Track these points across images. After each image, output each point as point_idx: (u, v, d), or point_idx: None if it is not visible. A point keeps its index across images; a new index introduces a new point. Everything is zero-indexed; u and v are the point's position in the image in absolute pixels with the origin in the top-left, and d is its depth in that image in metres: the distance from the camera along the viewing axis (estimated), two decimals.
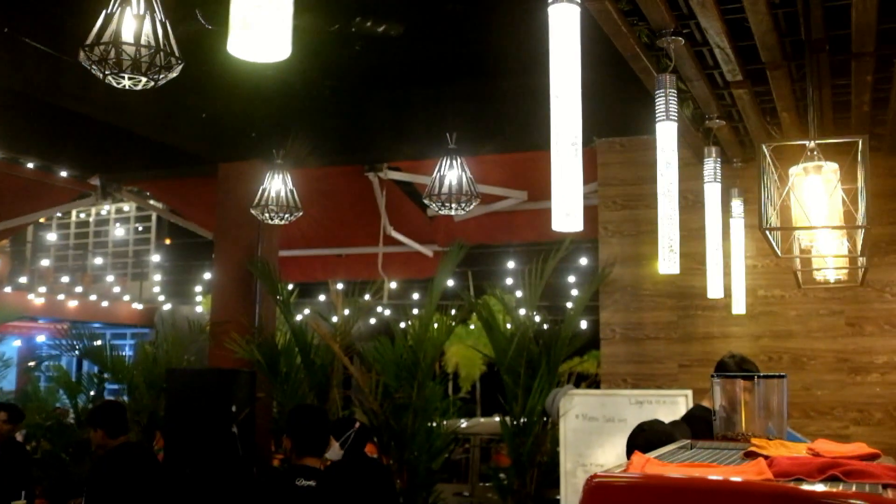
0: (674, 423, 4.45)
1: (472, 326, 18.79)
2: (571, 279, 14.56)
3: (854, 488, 1.70)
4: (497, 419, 7.76)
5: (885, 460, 2.14)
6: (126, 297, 20.90)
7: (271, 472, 7.04)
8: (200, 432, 7.28)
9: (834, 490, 1.66)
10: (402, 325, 7.99)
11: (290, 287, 8.61)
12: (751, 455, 2.15)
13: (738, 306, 6.13)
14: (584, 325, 12.10)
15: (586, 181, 8.92)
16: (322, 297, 15.56)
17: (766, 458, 1.99)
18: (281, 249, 9.17)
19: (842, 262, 4.57)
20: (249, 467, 7.38)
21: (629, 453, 3.33)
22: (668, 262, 4.09)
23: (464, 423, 9.95)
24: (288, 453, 4.81)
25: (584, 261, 13.56)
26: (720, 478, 1.80)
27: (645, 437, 3.65)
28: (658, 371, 6.91)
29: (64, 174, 10.38)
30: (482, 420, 11.72)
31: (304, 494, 4.50)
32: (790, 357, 6.63)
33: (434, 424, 7.32)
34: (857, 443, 2.41)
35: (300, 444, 4.64)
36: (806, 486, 1.71)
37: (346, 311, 7.96)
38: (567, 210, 2.71)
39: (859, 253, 3.95)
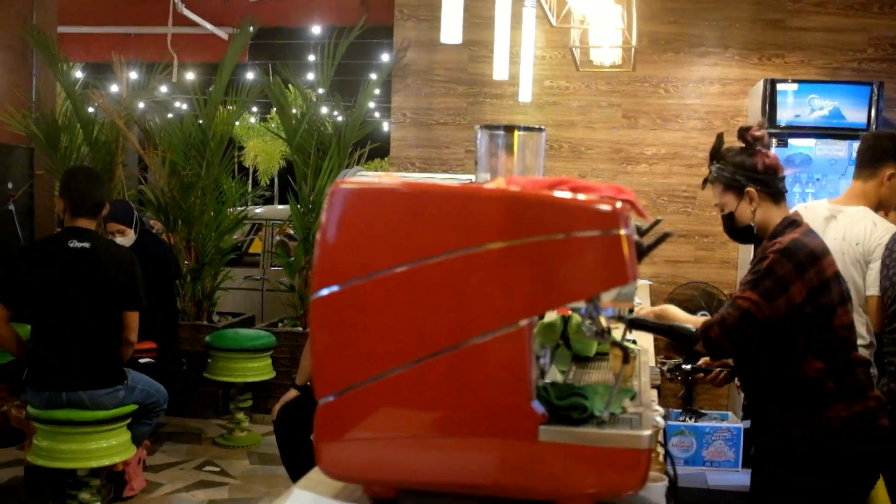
0: None
1: (273, 125, 18.54)
2: (374, 76, 14.46)
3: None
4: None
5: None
6: None
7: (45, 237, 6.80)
8: None
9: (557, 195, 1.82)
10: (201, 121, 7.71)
11: (80, 75, 8.13)
12: None
13: (525, 95, 6.30)
14: (386, 126, 12.18)
15: None
16: (115, 88, 14.72)
17: None
18: (64, 25, 8.56)
19: (615, 43, 4.76)
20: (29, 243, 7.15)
21: None
22: (450, 32, 4.12)
23: (259, 210, 9.97)
24: (62, 215, 4.69)
25: (386, 56, 13.47)
26: (459, 184, 1.91)
27: None
28: (446, 155, 7.09)
29: None
30: (278, 207, 11.79)
31: (78, 255, 4.43)
32: (570, 146, 6.95)
33: (223, 204, 7.27)
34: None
35: (74, 205, 4.53)
36: (534, 192, 1.86)
37: (141, 104, 7.64)
38: None
39: (627, 26, 4.12)
